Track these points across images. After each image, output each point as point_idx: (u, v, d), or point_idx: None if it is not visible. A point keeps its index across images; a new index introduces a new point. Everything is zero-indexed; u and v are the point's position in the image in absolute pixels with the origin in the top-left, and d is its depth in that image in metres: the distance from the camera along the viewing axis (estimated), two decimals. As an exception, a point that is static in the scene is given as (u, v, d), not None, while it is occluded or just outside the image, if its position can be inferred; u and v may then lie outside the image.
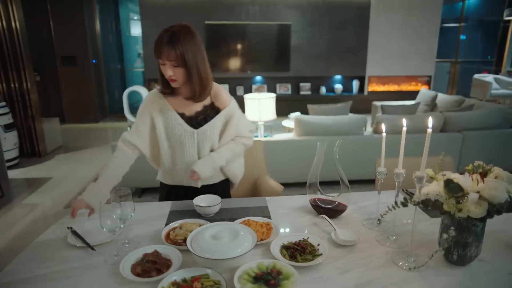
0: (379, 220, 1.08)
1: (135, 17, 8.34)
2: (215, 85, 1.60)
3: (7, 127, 4.25)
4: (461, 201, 1.00)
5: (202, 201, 1.46)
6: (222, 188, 1.74)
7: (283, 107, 6.46)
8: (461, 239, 1.07)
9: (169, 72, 1.41)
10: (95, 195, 1.34)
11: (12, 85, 4.47)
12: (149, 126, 1.57)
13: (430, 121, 1.01)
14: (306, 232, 1.32)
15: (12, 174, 4.17)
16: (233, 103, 1.63)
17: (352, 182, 1.42)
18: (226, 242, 1.10)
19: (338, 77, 7.32)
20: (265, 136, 3.68)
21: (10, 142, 4.30)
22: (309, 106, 3.72)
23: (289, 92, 7.28)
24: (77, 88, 6.66)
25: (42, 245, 1.25)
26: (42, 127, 4.77)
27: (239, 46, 6.95)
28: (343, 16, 6.83)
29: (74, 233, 1.26)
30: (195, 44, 1.42)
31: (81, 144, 5.49)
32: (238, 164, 1.76)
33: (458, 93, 8.10)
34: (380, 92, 7.33)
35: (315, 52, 6.98)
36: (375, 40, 6.99)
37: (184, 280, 0.99)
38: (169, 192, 1.72)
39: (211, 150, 1.62)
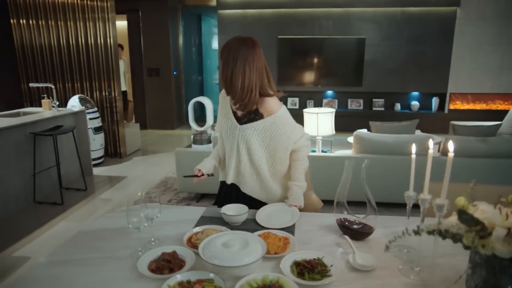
0: (387, 246, 1.01)
1: (217, 32, 8.90)
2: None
3: (96, 130, 4.86)
4: (484, 236, 0.89)
5: (230, 209, 1.52)
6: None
7: (354, 123, 6.26)
8: (491, 280, 0.95)
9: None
10: (205, 166, 1.73)
11: (103, 94, 5.12)
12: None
13: (450, 145, 0.93)
14: (324, 251, 1.28)
15: (97, 171, 4.74)
16: (281, 111, 1.64)
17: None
18: (235, 250, 1.14)
19: (415, 93, 6.86)
20: (322, 151, 3.63)
21: (97, 143, 4.90)
22: (371, 123, 3.57)
23: (361, 107, 7.04)
24: (159, 97, 7.33)
25: (86, 234, 1.43)
26: (125, 131, 5.35)
27: (311, 60, 6.96)
28: (424, 29, 6.42)
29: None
30: (246, 51, 1.52)
31: (157, 148, 6.01)
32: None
33: None
34: (463, 111, 6.67)
35: (390, 67, 6.65)
36: (460, 53, 6.41)
37: (188, 282, 1.05)
38: (221, 187, 1.86)
39: (249, 155, 1.66)
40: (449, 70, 6.51)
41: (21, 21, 5.04)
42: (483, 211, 0.94)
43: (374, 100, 6.95)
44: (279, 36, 6.81)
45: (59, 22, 4.97)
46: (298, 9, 6.66)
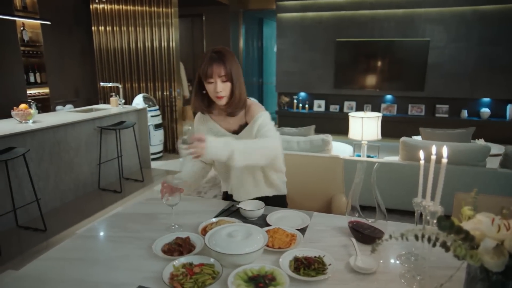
0: (374, 249, 1.00)
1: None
2: (249, 101, 1.68)
3: (157, 127, 5.27)
4: (474, 247, 0.86)
5: (247, 205, 1.60)
6: (277, 202, 1.78)
7: (413, 129, 5.93)
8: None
9: (219, 88, 1.52)
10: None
11: (165, 93, 5.53)
12: None
13: (444, 151, 0.91)
14: (329, 251, 1.30)
15: (155, 164, 5.14)
16: (261, 115, 1.61)
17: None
18: (237, 240, 1.22)
19: (486, 99, 6.29)
20: (368, 156, 3.54)
21: (157, 139, 5.31)
22: (421, 129, 3.39)
23: (423, 113, 6.64)
24: (218, 98, 7.65)
25: (121, 215, 1.62)
26: (183, 129, 5.71)
27: (369, 63, 6.75)
28: (499, 29, 5.85)
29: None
30: (236, 62, 1.58)
31: (212, 146, 6.30)
32: (275, 176, 1.78)
33: None
34: (544, 121, 5.96)
35: (457, 70, 6.18)
36: (543, 57, 5.74)
37: (190, 264, 1.16)
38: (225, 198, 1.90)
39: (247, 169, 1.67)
40: (529, 75, 5.87)
41: (100, 27, 5.66)
42: (478, 221, 0.91)
43: (437, 106, 6.52)
44: (338, 39, 6.72)
45: (130, 28, 5.49)
46: (358, 11, 6.51)
